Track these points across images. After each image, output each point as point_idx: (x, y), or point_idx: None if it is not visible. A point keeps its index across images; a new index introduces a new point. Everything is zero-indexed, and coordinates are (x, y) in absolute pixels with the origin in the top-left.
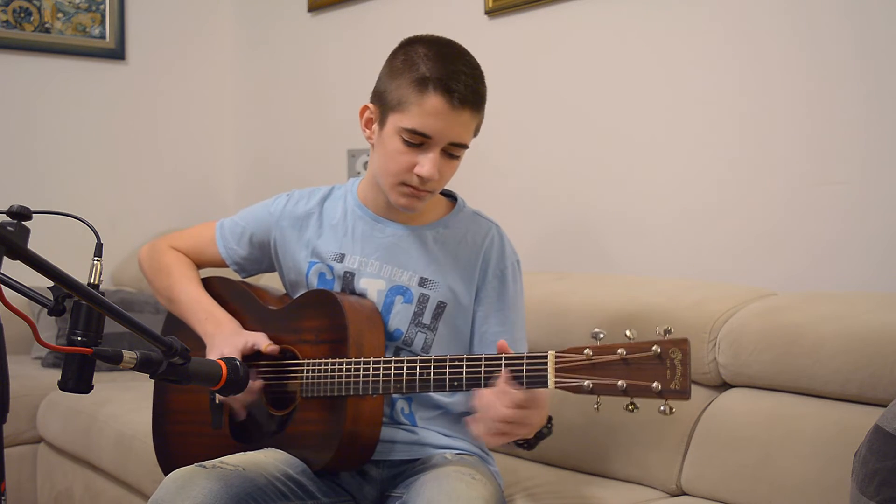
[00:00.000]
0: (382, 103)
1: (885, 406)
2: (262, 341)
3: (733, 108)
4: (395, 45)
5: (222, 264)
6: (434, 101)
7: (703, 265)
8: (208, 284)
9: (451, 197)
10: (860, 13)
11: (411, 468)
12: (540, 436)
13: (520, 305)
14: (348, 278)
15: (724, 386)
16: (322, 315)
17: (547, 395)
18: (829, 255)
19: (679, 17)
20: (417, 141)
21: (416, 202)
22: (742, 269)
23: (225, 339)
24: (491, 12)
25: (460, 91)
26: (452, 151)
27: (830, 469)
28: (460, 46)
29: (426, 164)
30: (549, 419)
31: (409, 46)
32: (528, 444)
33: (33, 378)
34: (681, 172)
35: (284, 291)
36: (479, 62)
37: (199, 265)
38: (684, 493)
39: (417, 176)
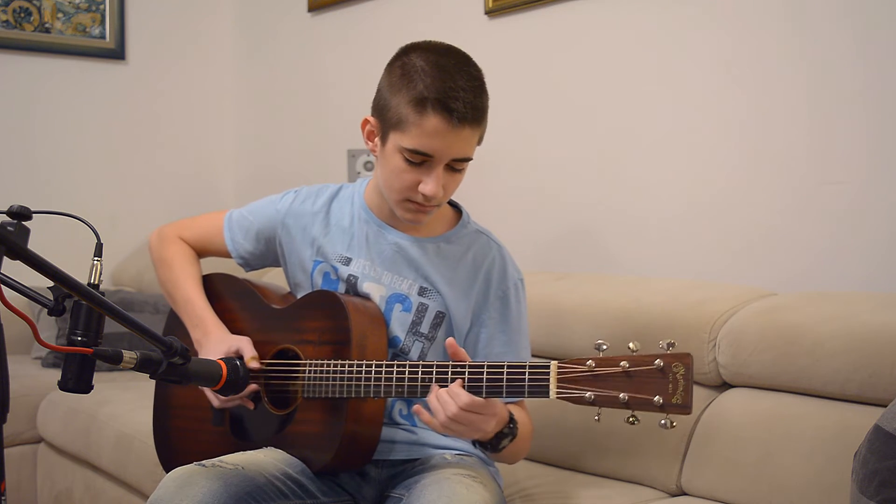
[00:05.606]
0: (383, 119)
1: (885, 406)
2: (246, 349)
3: (733, 109)
4: (394, 45)
5: (229, 255)
6: (434, 121)
7: (703, 265)
8: (211, 281)
9: (456, 207)
10: (860, 13)
11: (410, 468)
12: (502, 435)
13: (524, 326)
14: (352, 281)
15: (724, 386)
16: (325, 316)
17: (501, 405)
18: (829, 255)
19: (679, 18)
20: (419, 160)
21: (422, 216)
22: (742, 269)
23: (210, 348)
24: (491, 12)
25: (459, 110)
26: (456, 166)
27: (830, 469)
28: (459, 54)
29: (430, 182)
30: (512, 419)
31: (407, 57)
32: (490, 446)
33: (33, 378)
34: (681, 173)
35: (288, 290)
36: (479, 66)
37: (206, 254)
38: (684, 493)
39: (422, 194)
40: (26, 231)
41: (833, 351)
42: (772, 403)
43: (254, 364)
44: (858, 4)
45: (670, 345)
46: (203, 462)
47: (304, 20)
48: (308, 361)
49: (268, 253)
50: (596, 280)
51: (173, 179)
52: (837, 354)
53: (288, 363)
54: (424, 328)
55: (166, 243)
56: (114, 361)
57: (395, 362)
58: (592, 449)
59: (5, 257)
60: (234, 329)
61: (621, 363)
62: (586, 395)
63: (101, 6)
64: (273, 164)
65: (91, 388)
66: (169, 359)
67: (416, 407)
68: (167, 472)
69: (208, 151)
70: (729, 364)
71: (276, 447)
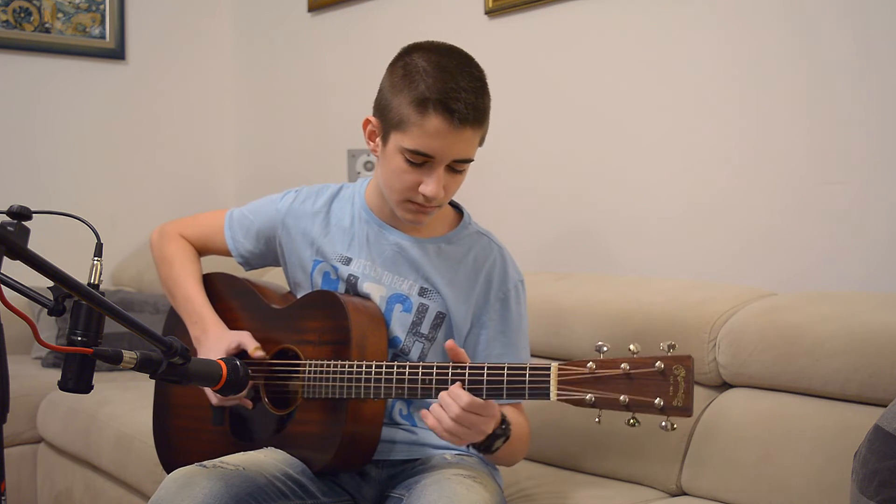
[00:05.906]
0: (384, 119)
1: (885, 406)
2: (247, 342)
3: (733, 109)
4: (394, 45)
5: (229, 254)
6: (435, 122)
7: (703, 265)
8: (211, 280)
9: (457, 208)
10: (860, 13)
11: (410, 468)
12: (495, 436)
13: (523, 328)
14: (352, 281)
15: (724, 386)
16: (325, 316)
17: (496, 406)
18: (829, 255)
19: (679, 17)
20: (420, 161)
21: (422, 217)
22: (742, 269)
23: (210, 345)
24: (491, 12)
25: (461, 111)
26: (457, 167)
27: (830, 469)
28: (462, 55)
29: (430, 183)
30: (504, 420)
31: (409, 57)
32: (483, 447)
33: (33, 378)
34: (681, 173)
35: (288, 289)
36: (481, 67)
37: (206, 253)
38: (684, 493)
39: (422, 195)
40: (26, 231)
41: (833, 351)
42: (772, 403)
43: (258, 354)
44: (858, 4)
45: (671, 347)
46: (204, 463)
47: (304, 20)
48: (308, 361)
49: (268, 252)
50: (596, 280)
51: (173, 179)
52: (837, 354)
53: (288, 363)
54: (424, 329)
55: (167, 241)
56: (114, 361)
57: (395, 363)
58: (592, 449)
59: (5, 257)
60: (234, 328)
61: (622, 365)
62: (587, 397)
63: (101, 6)
64: (273, 164)
65: (91, 388)
66: (169, 359)
67: (422, 412)
68: (167, 471)
69: (208, 151)
70: (729, 364)
71: (276, 447)
